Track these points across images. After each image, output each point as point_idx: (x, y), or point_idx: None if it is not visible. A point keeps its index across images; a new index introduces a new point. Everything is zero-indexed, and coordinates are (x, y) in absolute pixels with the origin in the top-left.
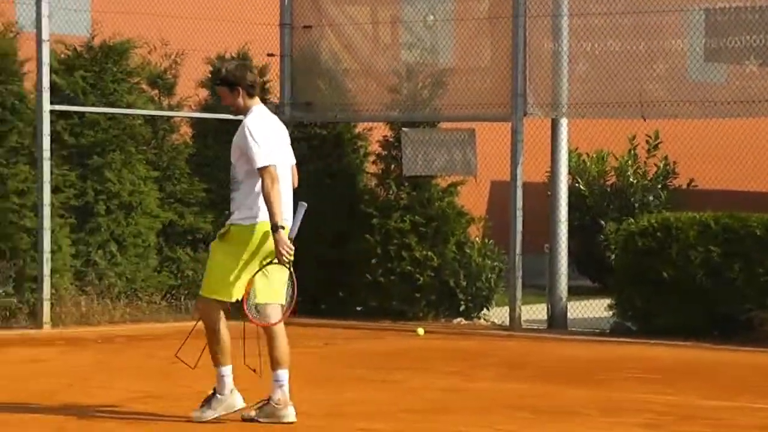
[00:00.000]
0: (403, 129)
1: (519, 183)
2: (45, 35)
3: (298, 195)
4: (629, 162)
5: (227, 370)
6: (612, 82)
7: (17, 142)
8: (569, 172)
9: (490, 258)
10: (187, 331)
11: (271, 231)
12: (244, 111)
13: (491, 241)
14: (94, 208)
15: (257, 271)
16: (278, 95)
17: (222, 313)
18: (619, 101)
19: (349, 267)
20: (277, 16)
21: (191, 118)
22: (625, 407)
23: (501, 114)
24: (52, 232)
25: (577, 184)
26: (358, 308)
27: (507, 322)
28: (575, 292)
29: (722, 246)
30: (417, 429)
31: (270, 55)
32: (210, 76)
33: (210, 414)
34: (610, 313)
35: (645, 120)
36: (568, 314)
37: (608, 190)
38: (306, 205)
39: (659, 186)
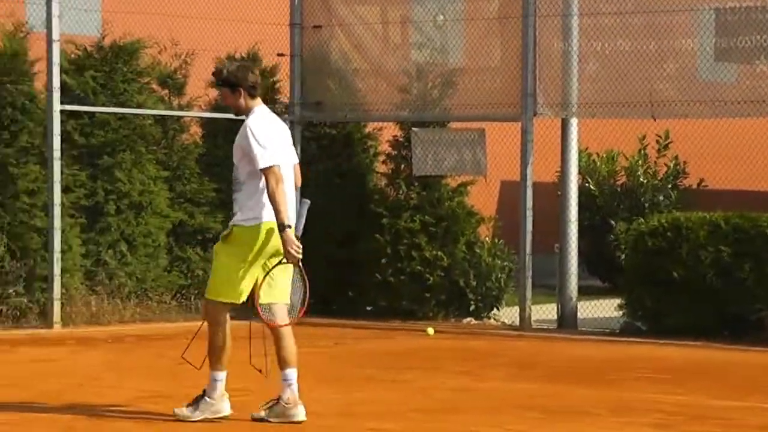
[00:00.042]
0: (413, 129)
1: (529, 183)
2: (55, 35)
3: (307, 194)
4: (639, 162)
5: (221, 376)
6: (622, 82)
7: (27, 142)
8: (579, 172)
9: (500, 258)
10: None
11: (278, 231)
12: (246, 112)
13: (501, 240)
14: (105, 208)
15: (267, 273)
16: (288, 95)
17: (227, 317)
18: (629, 101)
19: (359, 267)
20: (287, 16)
21: (201, 118)
22: (635, 407)
23: (511, 114)
24: (63, 231)
25: (587, 184)
26: (368, 308)
27: (517, 322)
28: (585, 292)
29: (732, 246)
30: (427, 429)
31: (280, 54)
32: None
33: (197, 415)
34: (620, 313)
35: (655, 120)
36: (578, 314)
37: (618, 190)
38: (309, 202)
39: (669, 186)
